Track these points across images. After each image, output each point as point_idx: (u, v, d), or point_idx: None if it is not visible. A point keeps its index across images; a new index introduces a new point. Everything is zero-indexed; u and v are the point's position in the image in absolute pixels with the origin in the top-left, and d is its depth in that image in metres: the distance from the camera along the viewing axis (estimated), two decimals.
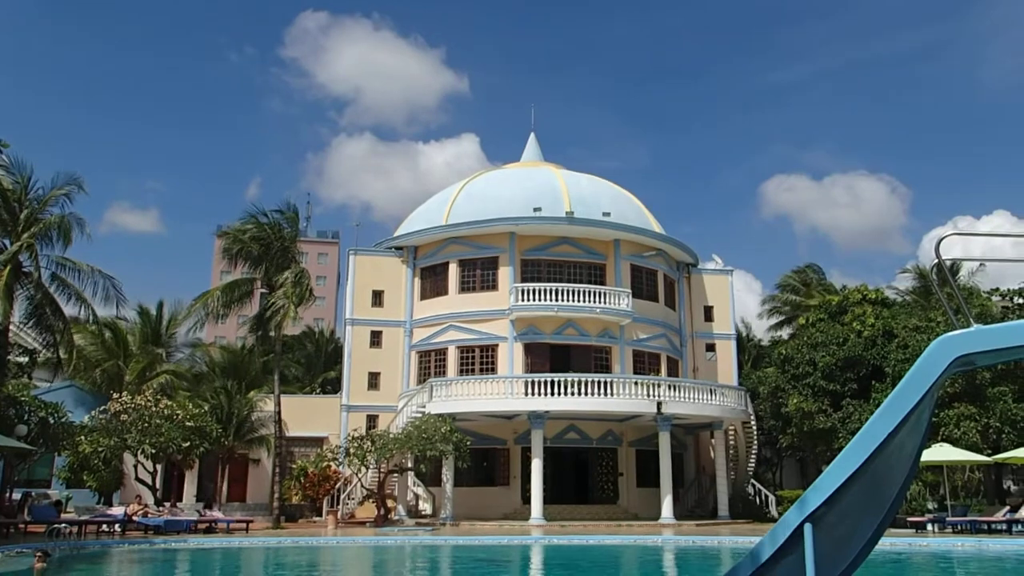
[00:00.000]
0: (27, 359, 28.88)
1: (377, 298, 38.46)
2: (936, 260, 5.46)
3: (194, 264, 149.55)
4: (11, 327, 27.16)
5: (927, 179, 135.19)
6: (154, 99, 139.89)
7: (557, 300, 35.10)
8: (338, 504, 33.59)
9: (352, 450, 31.12)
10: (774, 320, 49.99)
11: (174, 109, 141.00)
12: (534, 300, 35.14)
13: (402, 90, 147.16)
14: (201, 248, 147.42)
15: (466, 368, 36.00)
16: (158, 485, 31.24)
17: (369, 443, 31.03)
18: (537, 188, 38.53)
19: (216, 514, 29.21)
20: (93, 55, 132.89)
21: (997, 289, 37.60)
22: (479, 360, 36.06)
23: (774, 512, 35.24)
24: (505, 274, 36.40)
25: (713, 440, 36.08)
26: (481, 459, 34.26)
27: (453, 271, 37.36)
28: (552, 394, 30.75)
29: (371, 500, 32.77)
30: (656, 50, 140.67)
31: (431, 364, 37.03)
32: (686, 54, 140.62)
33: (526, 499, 32.25)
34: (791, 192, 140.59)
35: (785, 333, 47.56)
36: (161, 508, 28.55)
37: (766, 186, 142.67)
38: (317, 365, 57.05)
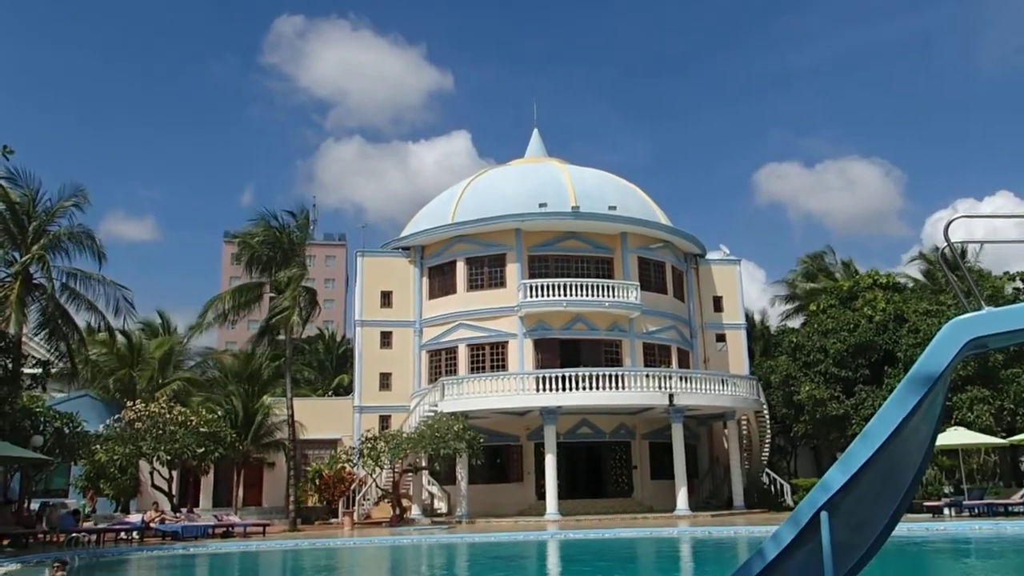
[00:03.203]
0: (41, 370, 29.01)
1: (386, 299, 38.50)
2: (945, 243, 5.44)
3: (196, 271, 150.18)
4: (24, 338, 27.30)
5: (922, 162, 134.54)
6: (143, 108, 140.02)
7: (565, 295, 35.06)
8: (353, 505, 33.68)
9: (366, 451, 31.19)
10: (788, 307, 49.76)
11: (163, 117, 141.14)
12: (542, 296, 35.12)
13: (386, 89, 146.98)
14: (202, 255, 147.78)
15: (477, 366, 36.03)
16: (174, 491, 31.38)
17: (382, 443, 31.09)
18: (542, 184, 38.50)
19: (233, 518, 29.34)
20: (78, 64, 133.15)
21: (1007, 273, 37.43)
22: (489, 358, 36.07)
23: (789, 501, 35.18)
24: (513, 271, 36.40)
25: (726, 430, 36.03)
26: (495, 456, 34.30)
27: (461, 269, 37.38)
28: (563, 389, 30.75)
29: (386, 500, 32.85)
30: (653, 41, 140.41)
31: (442, 363, 37.06)
32: (684, 45, 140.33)
33: (541, 495, 32.27)
34: (785, 179, 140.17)
35: (798, 321, 47.36)
36: (178, 514, 28.69)
37: (759, 174, 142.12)
38: (329, 368, 57.20)
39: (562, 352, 35.62)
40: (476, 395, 31.73)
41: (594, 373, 31.27)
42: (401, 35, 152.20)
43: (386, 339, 38.14)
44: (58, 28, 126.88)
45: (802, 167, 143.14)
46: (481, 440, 30.95)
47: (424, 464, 32.49)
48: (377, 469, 32.31)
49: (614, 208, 37.16)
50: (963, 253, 37.45)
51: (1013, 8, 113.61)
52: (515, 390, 31.56)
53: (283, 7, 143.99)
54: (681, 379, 32.21)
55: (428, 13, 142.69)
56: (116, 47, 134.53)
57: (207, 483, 36.05)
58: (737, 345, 41.42)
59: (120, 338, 38.41)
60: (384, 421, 36.55)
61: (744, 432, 36.32)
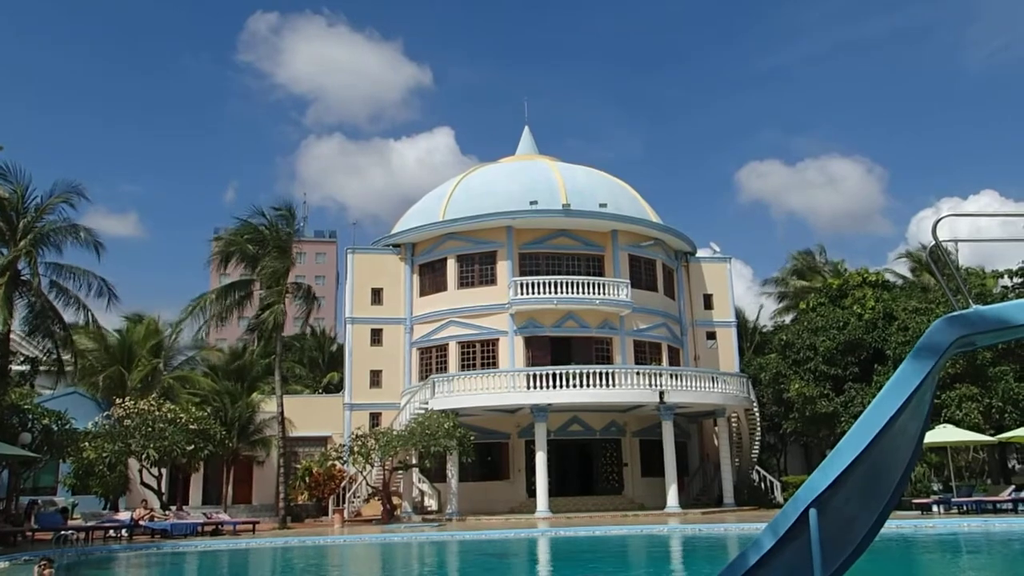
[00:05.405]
0: (29, 367, 28.84)
1: (376, 296, 38.44)
2: (933, 242, 5.45)
3: (184, 268, 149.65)
4: (12, 335, 27.13)
5: (905, 160, 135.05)
6: (121, 104, 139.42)
7: (556, 293, 35.07)
8: (344, 503, 33.64)
9: (356, 448, 31.14)
10: (778, 305, 49.94)
11: (142, 114, 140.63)
12: (533, 293, 35.11)
13: (365, 85, 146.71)
14: (189, 251, 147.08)
15: (467, 363, 36.01)
16: (163, 489, 31.26)
17: (373, 441, 31.05)
18: (533, 181, 38.50)
19: (222, 516, 29.26)
20: (55, 61, 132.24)
21: (995, 271, 37.59)
22: (480, 355, 36.06)
23: (779, 498, 35.31)
24: (503, 268, 36.38)
25: (716, 428, 36.13)
26: (485, 454, 34.31)
27: (451, 267, 37.33)
28: (554, 387, 30.77)
29: (376, 498, 32.81)
30: (643, 37, 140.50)
31: (432, 360, 37.03)
32: (676, 41, 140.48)
33: (531, 492, 32.29)
34: (766, 177, 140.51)
35: (788, 319, 47.51)
36: (167, 512, 28.60)
37: (741, 173, 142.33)
38: (320, 365, 57.11)
39: (553, 350, 35.63)
40: (467, 392, 31.71)
41: (585, 371, 31.29)
42: (377, 30, 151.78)
43: (376, 336, 38.08)
44: (34, 25, 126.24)
45: (783, 165, 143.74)
46: (472, 437, 30.95)
47: (414, 462, 32.45)
48: (367, 467, 32.27)
49: (605, 206, 37.17)
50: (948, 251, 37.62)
51: (998, 5, 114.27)
52: (506, 388, 31.54)
53: (256, 4, 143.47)
54: (671, 376, 32.25)
55: (404, 8, 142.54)
56: (92, 43, 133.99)
57: (196, 480, 35.95)
58: (727, 343, 41.52)
59: (111, 335, 38.20)
60: (374, 418, 36.50)
61: (734, 429, 36.42)
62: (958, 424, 29.22)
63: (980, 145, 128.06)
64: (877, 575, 13.34)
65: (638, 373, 32.03)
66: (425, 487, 34.72)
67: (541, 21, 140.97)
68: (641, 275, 38.00)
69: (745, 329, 47.51)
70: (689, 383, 32.41)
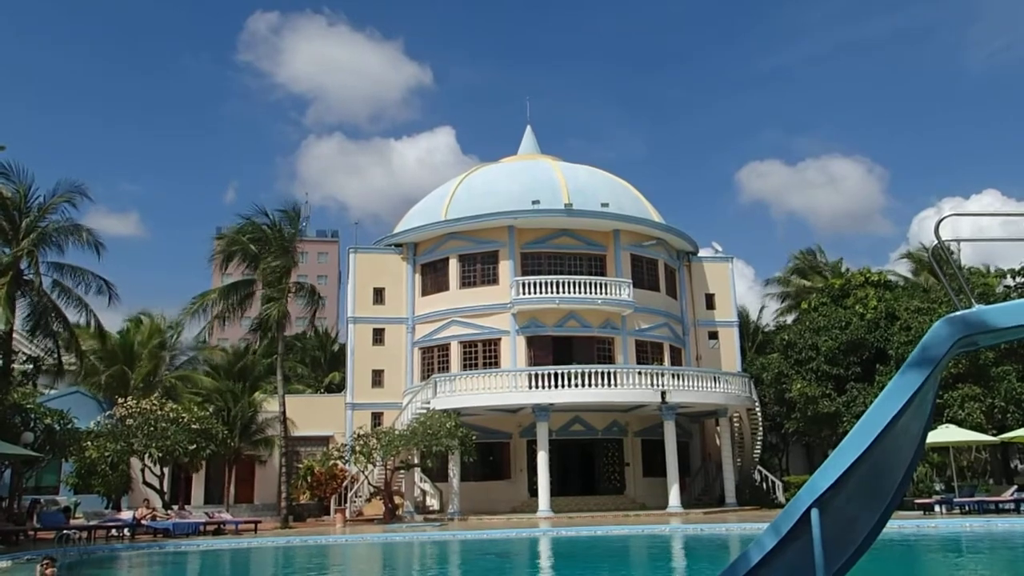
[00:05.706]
0: (31, 366, 28.87)
1: (378, 295, 38.43)
2: (936, 241, 5.44)
3: (183, 267, 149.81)
4: (15, 334, 27.16)
5: (906, 160, 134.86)
6: (121, 103, 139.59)
7: (558, 292, 35.04)
8: (345, 502, 33.65)
9: (358, 448, 31.15)
10: (780, 305, 49.87)
11: (142, 113, 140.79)
12: (535, 293, 35.09)
13: (365, 85, 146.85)
14: (191, 251, 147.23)
15: (469, 363, 36.00)
16: (166, 488, 31.28)
17: (375, 440, 31.06)
18: (535, 181, 38.48)
19: (224, 515, 29.27)
20: (55, 61, 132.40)
21: (998, 271, 37.54)
22: (482, 355, 36.06)
23: (781, 498, 35.26)
24: (505, 268, 36.37)
25: (718, 427, 36.10)
26: (487, 453, 34.31)
27: (453, 266, 37.32)
28: (556, 386, 30.76)
29: (378, 497, 32.83)
30: (645, 37, 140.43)
31: (434, 360, 37.03)
32: (676, 41, 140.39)
33: (533, 492, 32.29)
34: (767, 177, 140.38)
35: (790, 318, 47.43)
36: (169, 511, 28.61)
37: (741, 173, 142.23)
38: (322, 365, 57.08)
39: (555, 349, 35.61)
40: (468, 392, 31.71)
41: (587, 370, 31.27)
42: (377, 30, 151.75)
43: (378, 336, 38.08)
44: (34, 25, 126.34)
45: (784, 165, 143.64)
46: (473, 437, 30.95)
47: (416, 461, 32.46)
48: (369, 466, 32.28)
49: (607, 205, 37.14)
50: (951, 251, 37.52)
51: (999, 5, 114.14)
52: (508, 387, 31.53)
53: (256, 3, 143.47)
54: (673, 376, 32.22)
55: (404, 7, 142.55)
56: (92, 43, 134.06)
57: (199, 480, 35.96)
58: (729, 342, 41.48)
59: (113, 336, 38.23)
60: (376, 418, 36.49)
61: (736, 429, 36.41)
62: (960, 424, 29.18)
63: (982, 145, 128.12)
64: (879, 575, 13.33)
65: (640, 373, 32.01)
66: (427, 487, 34.73)
67: (542, 21, 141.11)
68: (643, 275, 37.97)
69: (747, 329, 47.43)
70: (691, 383, 32.38)
